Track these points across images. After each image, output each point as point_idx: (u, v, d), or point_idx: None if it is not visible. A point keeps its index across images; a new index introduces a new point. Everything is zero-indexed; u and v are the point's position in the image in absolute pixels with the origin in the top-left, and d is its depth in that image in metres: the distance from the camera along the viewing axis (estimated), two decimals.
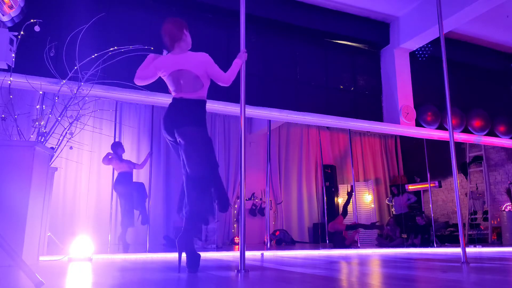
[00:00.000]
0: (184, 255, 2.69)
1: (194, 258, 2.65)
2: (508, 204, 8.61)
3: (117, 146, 5.81)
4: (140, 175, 7.11)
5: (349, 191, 7.62)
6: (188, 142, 2.74)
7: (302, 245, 8.02)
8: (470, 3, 5.97)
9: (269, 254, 5.20)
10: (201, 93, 2.84)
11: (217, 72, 2.89)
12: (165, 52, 3.02)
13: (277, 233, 8.04)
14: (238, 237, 7.54)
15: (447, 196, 9.89)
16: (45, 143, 3.94)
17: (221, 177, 2.92)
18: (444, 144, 7.27)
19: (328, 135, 9.55)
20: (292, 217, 8.88)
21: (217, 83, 2.95)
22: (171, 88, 2.89)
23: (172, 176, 7.66)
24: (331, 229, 7.24)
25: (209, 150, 2.80)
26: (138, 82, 2.93)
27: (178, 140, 2.79)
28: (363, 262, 3.97)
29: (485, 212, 9.01)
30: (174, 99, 2.86)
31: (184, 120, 2.75)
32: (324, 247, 6.80)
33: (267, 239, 6.50)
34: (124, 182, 5.67)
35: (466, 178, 9.50)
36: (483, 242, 8.61)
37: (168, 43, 2.91)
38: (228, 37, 6.26)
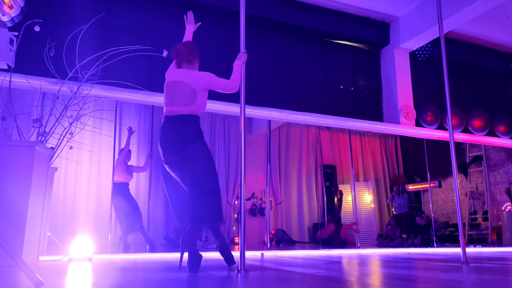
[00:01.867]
0: (185, 254, 2.70)
1: (195, 258, 2.67)
2: (508, 204, 8.61)
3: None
4: (141, 176, 7.11)
5: (338, 197, 7.58)
6: (198, 159, 2.78)
7: (302, 245, 8.02)
8: (470, 3, 5.97)
9: (269, 254, 5.20)
10: (192, 108, 2.83)
11: (222, 83, 2.94)
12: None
13: (273, 231, 8.01)
14: (238, 237, 7.53)
15: (447, 196, 9.88)
16: (45, 143, 3.94)
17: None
18: (444, 144, 7.26)
19: (328, 135, 9.54)
20: (292, 217, 8.87)
21: (226, 93, 3.00)
22: (164, 100, 2.91)
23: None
24: (324, 235, 7.22)
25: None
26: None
27: (184, 158, 2.79)
28: (363, 262, 3.97)
29: (485, 212, 9.01)
30: (166, 117, 2.86)
31: (184, 141, 2.76)
32: (324, 247, 6.80)
33: (267, 239, 6.50)
34: (122, 193, 5.56)
35: (466, 178, 9.49)
36: (483, 242, 8.61)
37: (177, 59, 2.99)
38: (228, 38, 6.25)
